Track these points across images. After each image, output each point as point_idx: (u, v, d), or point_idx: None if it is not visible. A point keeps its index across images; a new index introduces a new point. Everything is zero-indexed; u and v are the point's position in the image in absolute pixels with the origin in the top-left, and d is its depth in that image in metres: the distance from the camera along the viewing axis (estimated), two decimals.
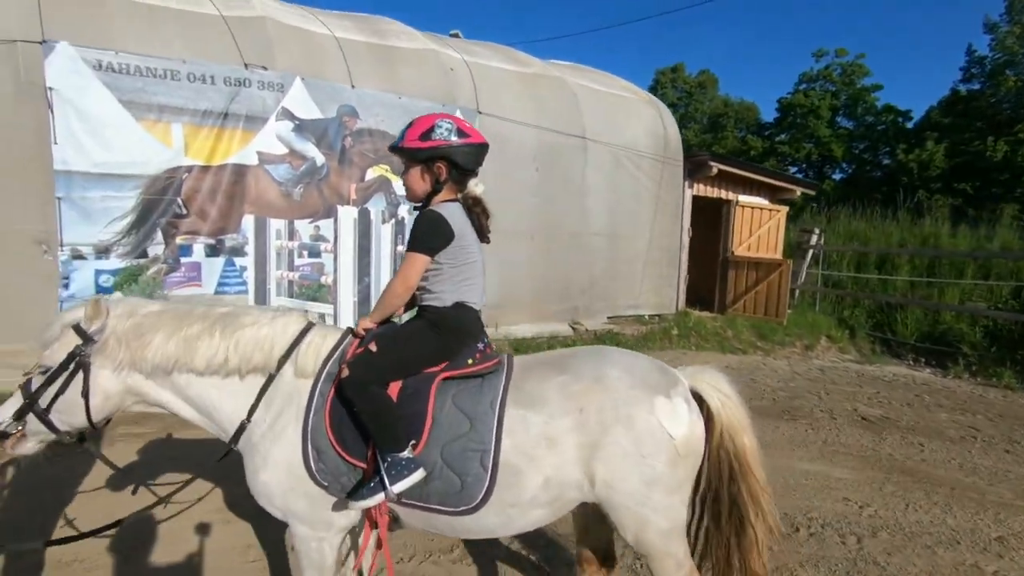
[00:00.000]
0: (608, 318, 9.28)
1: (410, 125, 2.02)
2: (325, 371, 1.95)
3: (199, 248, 6.07)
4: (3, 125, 5.16)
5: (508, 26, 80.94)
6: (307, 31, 7.03)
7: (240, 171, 6.23)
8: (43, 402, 1.87)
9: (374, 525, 1.93)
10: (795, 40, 63.22)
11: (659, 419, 1.88)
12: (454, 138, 1.97)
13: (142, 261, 5.78)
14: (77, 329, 1.89)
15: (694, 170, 10.19)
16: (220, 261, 6.20)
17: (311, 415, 1.88)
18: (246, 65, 6.26)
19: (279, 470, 1.89)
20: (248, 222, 6.32)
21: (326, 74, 6.85)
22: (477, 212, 2.12)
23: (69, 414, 1.91)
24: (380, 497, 1.79)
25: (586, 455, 1.87)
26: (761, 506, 2.02)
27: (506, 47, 9.52)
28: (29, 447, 1.92)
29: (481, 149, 2.05)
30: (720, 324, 9.90)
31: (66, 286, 5.43)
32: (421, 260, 1.97)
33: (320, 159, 6.70)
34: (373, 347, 1.92)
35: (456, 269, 2.02)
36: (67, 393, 1.88)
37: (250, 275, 6.36)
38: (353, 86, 6.97)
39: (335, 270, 6.85)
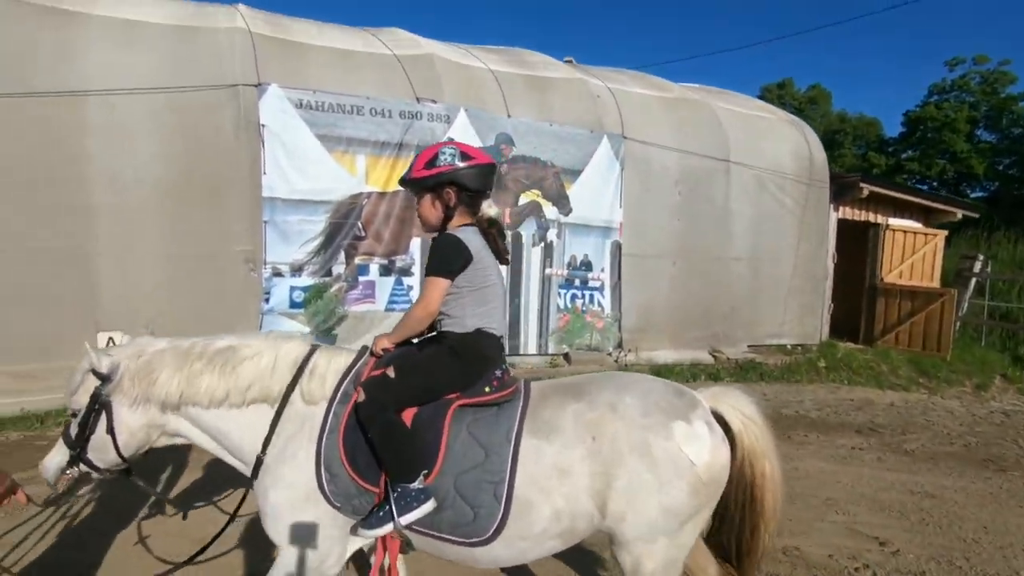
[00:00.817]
0: (748, 347, 8.90)
1: (416, 157, 2.01)
2: (340, 391, 1.91)
3: (374, 268, 6.54)
4: (227, 158, 5.87)
5: (613, 53, 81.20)
6: (466, 65, 7.45)
7: (410, 197, 6.63)
8: (84, 441, 1.95)
9: (387, 548, 1.89)
10: (921, 50, 58.46)
11: (678, 445, 1.79)
12: (458, 162, 1.93)
13: (327, 279, 6.30)
14: (95, 372, 1.94)
15: (840, 192, 9.61)
16: (391, 280, 6.63)
17: (324, 436, 1.85)
18: (418, 99, 6.72)
19: (290, 491, 1.86)
20: (415, 244, 6.72)
21: (485, 105, 7.20)
22: (493, 234, 2.04)
23: (103, 451, 1.97)
24: (388, 527, 1.76)
25: (599, 485, 1.79)
26: (760, 536, 1.98)
27: (643, 73, 9.55)
28: (81, 486, 2.07)
29: (486, 169, 2.00)
30: (871, 357, 9.16)
31: (267, 300, 6.03)
32: (441, 284, 1.90)
33: None
34: (391, 372, 1.85)
35: (476, 293, 1.95)
36: (97, 432, 1.95)
37: (415, 294, 6.75)
38: (509, 115, 7.27)
39: None
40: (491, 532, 1.78)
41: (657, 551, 1.83)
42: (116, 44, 5.61)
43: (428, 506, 1.75)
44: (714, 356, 8.46)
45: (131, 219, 5.62)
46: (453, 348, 1.93)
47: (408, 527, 1.78)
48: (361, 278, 6.47)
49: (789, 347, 9.22)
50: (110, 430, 1.94)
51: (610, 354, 7.79)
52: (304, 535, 1.86)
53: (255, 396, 1.94)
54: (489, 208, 2.11)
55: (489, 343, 1.97)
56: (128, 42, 5.66)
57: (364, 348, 2.06)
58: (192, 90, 5.74)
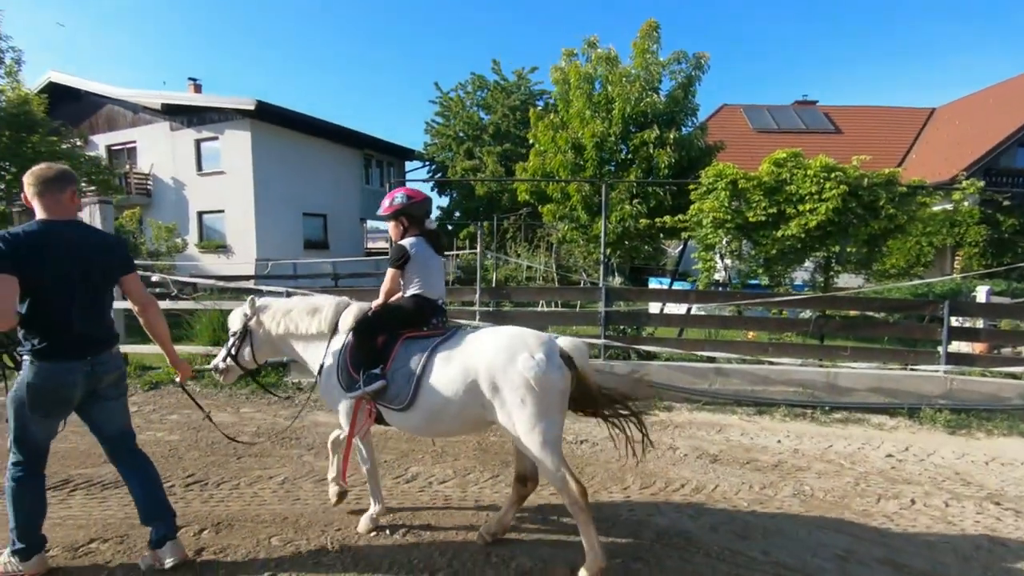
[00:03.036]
0: None
1: (384, 200, 3.37)
2: (347, 327, 3.25)
3: None
4: None
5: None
6: None
7: None
8: (235, 351, 3.43)
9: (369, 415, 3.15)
10: None
11: (519, 368, 2.72)
12: (406, 202, 3.29)
13: None
14: (243, 314, 3.46)
15: None
16: None
17: (343, 352, 3.17)
18: None
19: (329, 383, 3.21)
20: None
21: None
22: (433, 239, 3.33)
23: (244, 357, 3.45)
24: (360, 392, 3.01)
25: (475, 389, 2.81)
26: (602, 405, 2.94)
27: None
28: (231, 376, 3.52)
29: (424, 204, 3.34)
30: None
31: None
32: (392, 272, 3.23)
33: None
34: (371, 314, 3.22)
35: (416, 274, 3.21)
36: (243, 346, 3.44)
37: None
38: None
39: None
40: (407, 403, 2.94)
41: (520, 434, 2.75)
42: None
43: (380, 383, 2.99)
44: None
45: None
46: (400, 304, 3.23)
47: (372, 397, 3.03)
48: None
49: None
50: (249, 345, 3.45)
51: None
52: (338, 403, 3.24)
53: (315, 336, 3.36)
54: (430, 224, 3.44)
55: (422, 303, 3.21)
56: None
57: (367, 305, 3.38)
58: None
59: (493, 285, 12.93)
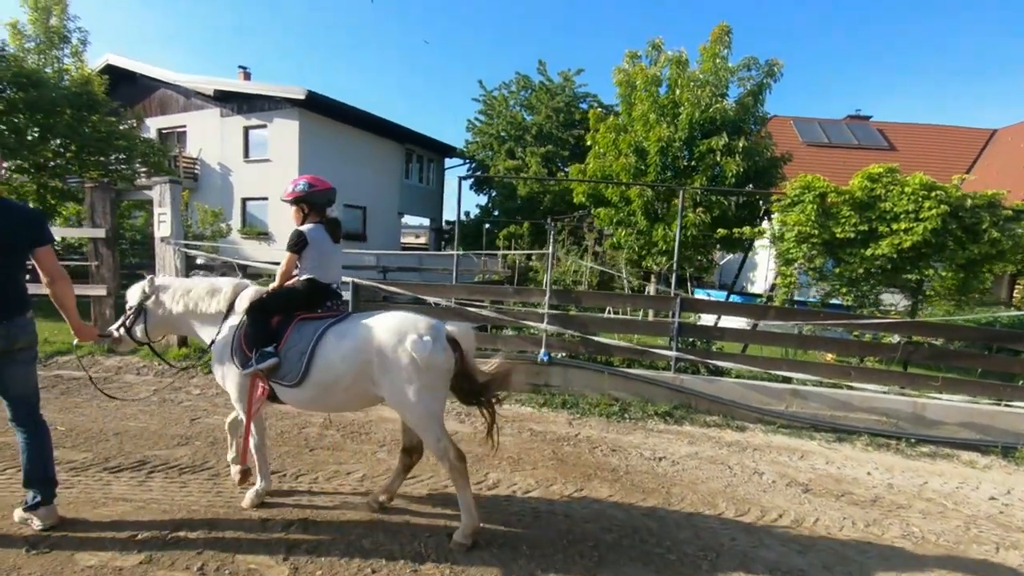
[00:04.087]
0: None
1: (288, 184, 3.46)
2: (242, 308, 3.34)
3: None
4: None
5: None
6: None
7: None
8: (129, 324, 3.45)
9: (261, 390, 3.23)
10: None
11: (407, 347, 2.91)
12: (307, 189, 3.40)
13: None
14: (142, 291, 3.48)
15: None
16: None
17: (238, 331, 3.24)
18: None
19: (225, 361, 3.28)
20: None
21: None
22: (332, 227, 3.47)
23: (140, 332, 3.47)
24: (253, 369, 3.09)
25: (366, 366, 3.00)
26: (479, 389, 3.10)
27: None
28: (124, 346, 3.55)
29: (326, 192, 3.46)
30: None
31: None
32: (289, 256, 3.33)
33: None
34: (266, 296, 3.33)
35: (312, 260, 3.33)
36: (138, 321, 3.46)
37: None
38: None
39: None
40: (298, 379, 3.04)
41: (406, 408, 2.99)
42: None
43: (273, 361, 3.08)
44: None
45: None
46: (295, 287, 3.33)
47: (264, 374, 3.11)
48: None
49: None
50: (143, 321, 3.47)
51: None
52: (227, 379, 3.33)
53: (211, 312, 3.41)
54: (332, 212, 3.55)
55: (316, 286, 3.32)
56: None
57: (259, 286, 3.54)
58: None
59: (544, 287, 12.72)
